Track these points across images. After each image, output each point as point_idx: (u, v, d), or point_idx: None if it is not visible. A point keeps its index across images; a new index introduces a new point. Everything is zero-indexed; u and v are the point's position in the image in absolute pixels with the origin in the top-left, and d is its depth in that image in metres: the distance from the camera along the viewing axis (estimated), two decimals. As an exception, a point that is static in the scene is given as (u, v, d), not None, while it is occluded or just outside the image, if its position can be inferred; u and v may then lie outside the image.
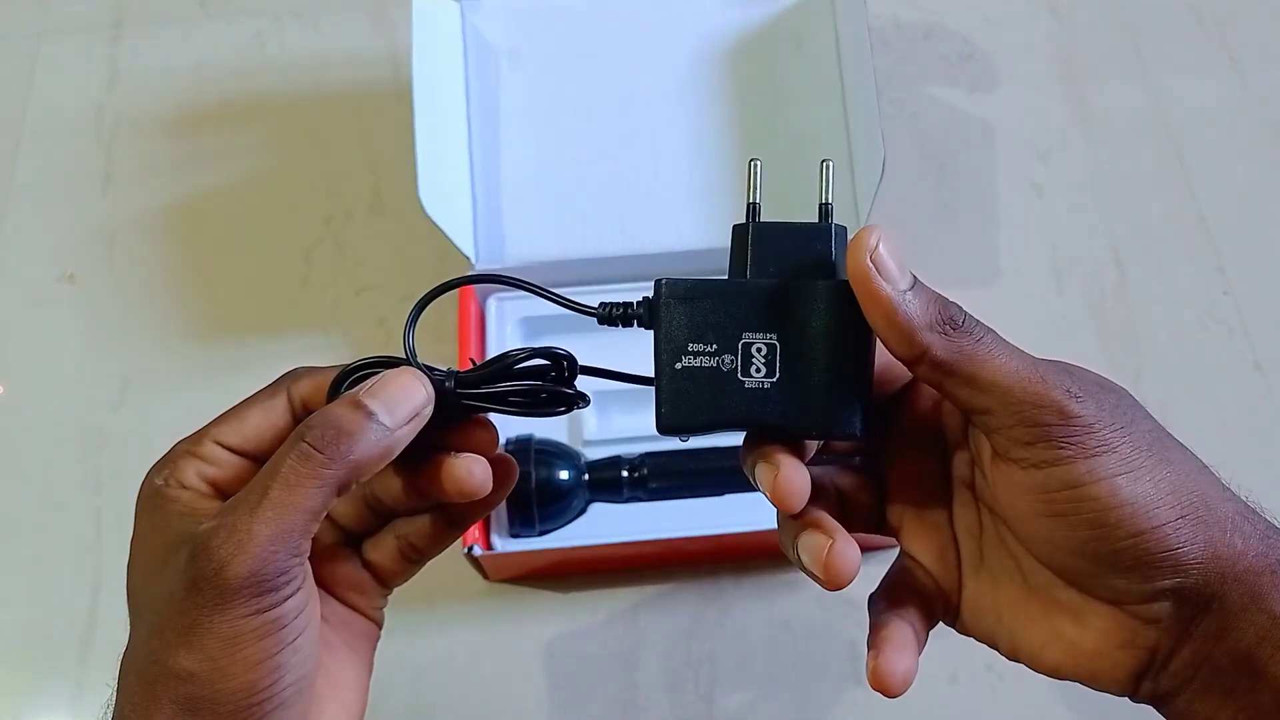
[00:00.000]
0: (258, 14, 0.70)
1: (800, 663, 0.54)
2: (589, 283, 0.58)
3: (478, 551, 0.47)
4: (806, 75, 0.62)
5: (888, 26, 0.70)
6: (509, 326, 0.57)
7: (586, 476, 0.48)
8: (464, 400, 0.31)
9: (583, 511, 0.49)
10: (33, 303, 0.61)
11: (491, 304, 0.57)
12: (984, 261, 0.63)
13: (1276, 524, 0.29)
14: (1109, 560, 0.28)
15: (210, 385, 0.59)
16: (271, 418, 0.32)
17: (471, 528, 0.42)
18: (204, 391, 0.59)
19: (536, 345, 0.32)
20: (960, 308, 0.30)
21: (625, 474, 0.47)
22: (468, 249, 0.56)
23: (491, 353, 0.56)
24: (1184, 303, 0.62)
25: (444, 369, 0.31)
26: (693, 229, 0.59)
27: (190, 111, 0.67)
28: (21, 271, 0.62)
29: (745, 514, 0.47)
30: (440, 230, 0.53)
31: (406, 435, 0.30)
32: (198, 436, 0.32)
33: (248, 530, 0.27)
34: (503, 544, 0.49)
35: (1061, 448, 0.27)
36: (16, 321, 0.61)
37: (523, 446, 0.48)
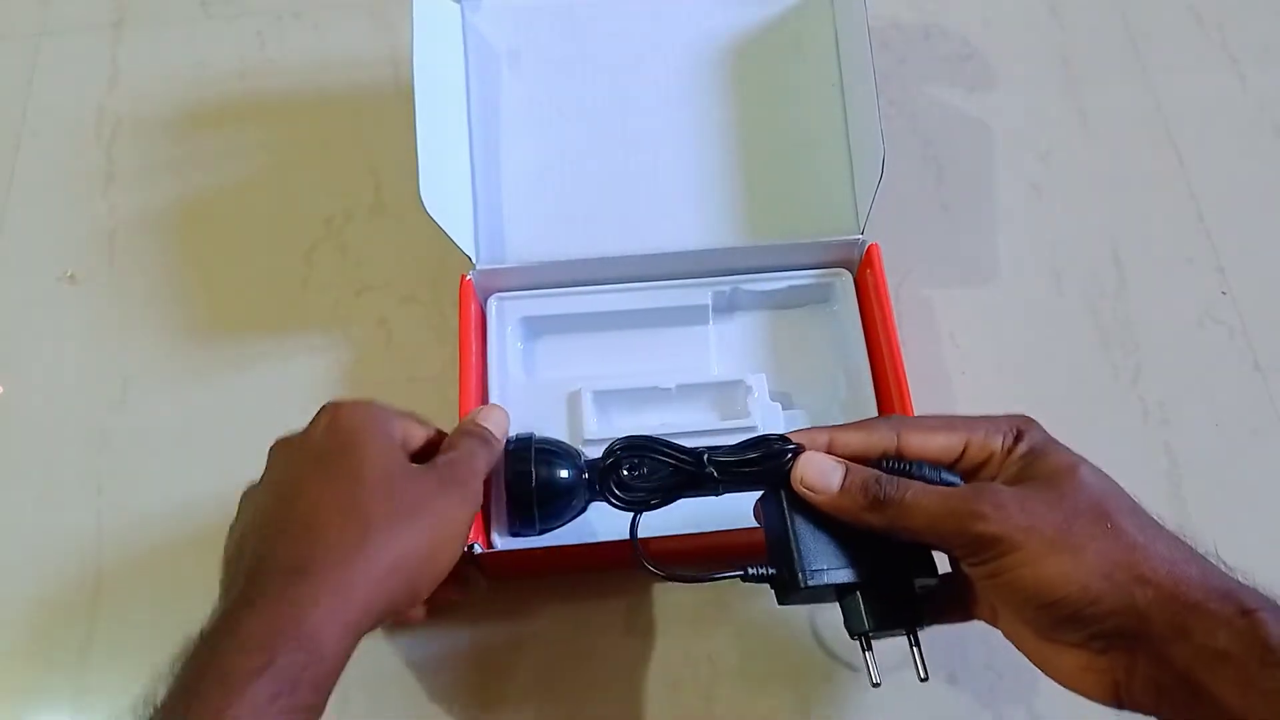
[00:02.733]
0: (258, 14, 0.70)
1: (801, 662, 0.54)
2: (589, 283, 0.58)
3: (478, 550, 0.48)
4: (806, 75, 0.62)
5: (888, 27, 0.70)
6: (509, 326, 0.57)
7: (586, 475, 0.48)
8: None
9: (583, 510, 0.49)
10: (33, 303, 0.61)
11: (492, 304, 0.57)
12: (983, 261, 0.63)
13: (1220, 567, 0.37)
14: (1045, 620, 0.38)
15: (210, 385, 0.59)
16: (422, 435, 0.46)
17: (472, 526, 0.44)
18: (204, 391, 0.59)
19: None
20: (882, 482, 0.40)
21: (625, 473, 0.47)
22: (468, 248, 0.56)
23: (493, 352, 0.56)
24: (1183, 303, 0.62)
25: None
26: (693, 228, 0.59)
27: (190, 111, 0.67)
28: (21, 271, 0.62)
29: (745, 511, 0.47)
30: (441, 230, 0.53)
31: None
32: (397, 413, 0.44)
33: (470, 464, 0.44)
34: (503, 543, 0.49)
35: (982, 556, 0.38)
36: (16, 321, 0.61)
37: (524, 445, 0.48)
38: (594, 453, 0.48)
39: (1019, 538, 0.37)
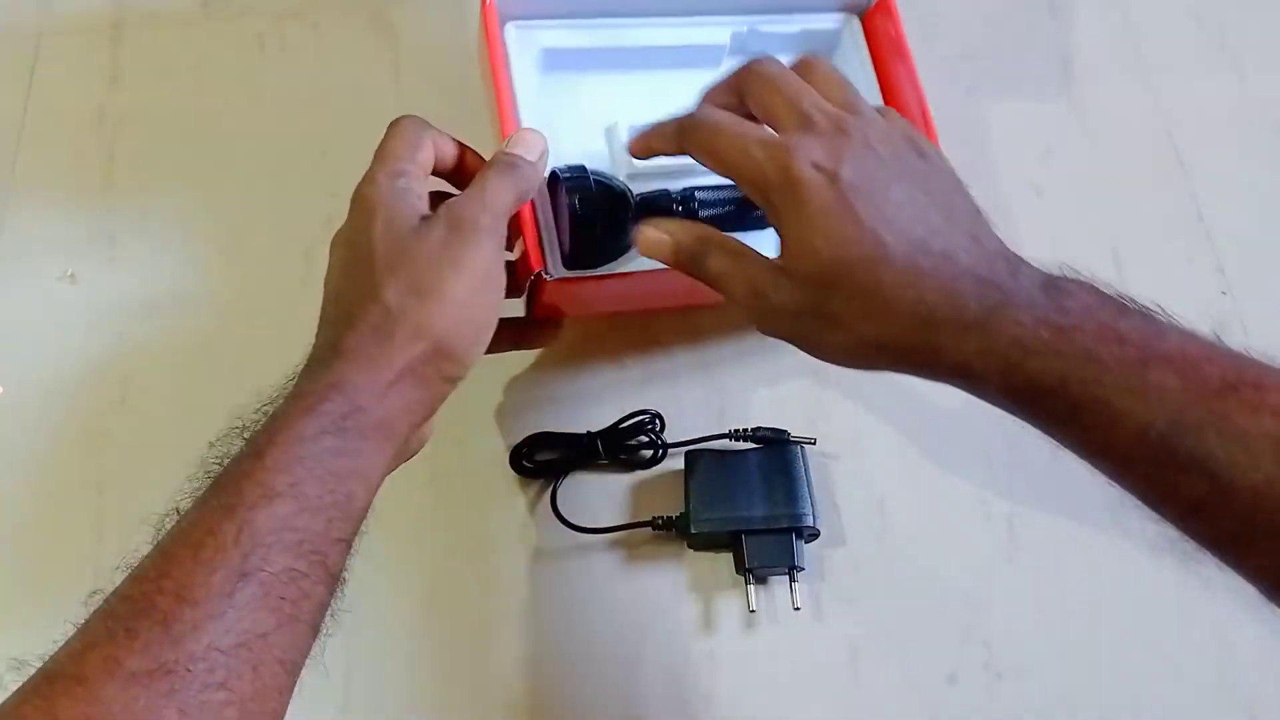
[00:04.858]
0: (258, 14, 0.70)
1: (801, 662, 0.54)
2: (606, 14, 0.56)
3: (547, 276, 0.49)
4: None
5: (887, 26, 0.70)
6: (528, 57, 0.56)
7: (633, 211, 0.49)
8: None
9: (629, 248, 0.49)
10: (33, 303, 0.61)
11: (510, 31, 0.56)
12: (984, 261, 0.63)
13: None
14: None
15: (210, 385, 0.59)
16: (431, 155, 0.46)
17: (533, 260, 0.48)
18: (204, 391, 0.59)
19: None
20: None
21: (677, 208, 0.48)
22: None
23: (516, 83, 0.54)
24: (1184, 303, 0.62)
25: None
26: None
27: (190, 111, 0.67)
28: (21, 271, 0.62)
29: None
30: None
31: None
32: (410, 159, 0.45)
33: (483, 201, 0.43)
34: (557, 272, 0.50)
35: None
36: (16, 321, 0.61)
37: (579, 175, 0.49)
38: (638, 187, 0.50)
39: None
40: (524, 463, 0.56)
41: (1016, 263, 0.39)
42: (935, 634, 0.55)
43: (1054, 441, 0.38)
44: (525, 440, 0.57)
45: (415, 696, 0.52)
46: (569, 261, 0.50)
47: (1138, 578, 0.56)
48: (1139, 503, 0.37)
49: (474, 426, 0.58)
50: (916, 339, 0.38)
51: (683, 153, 0.44)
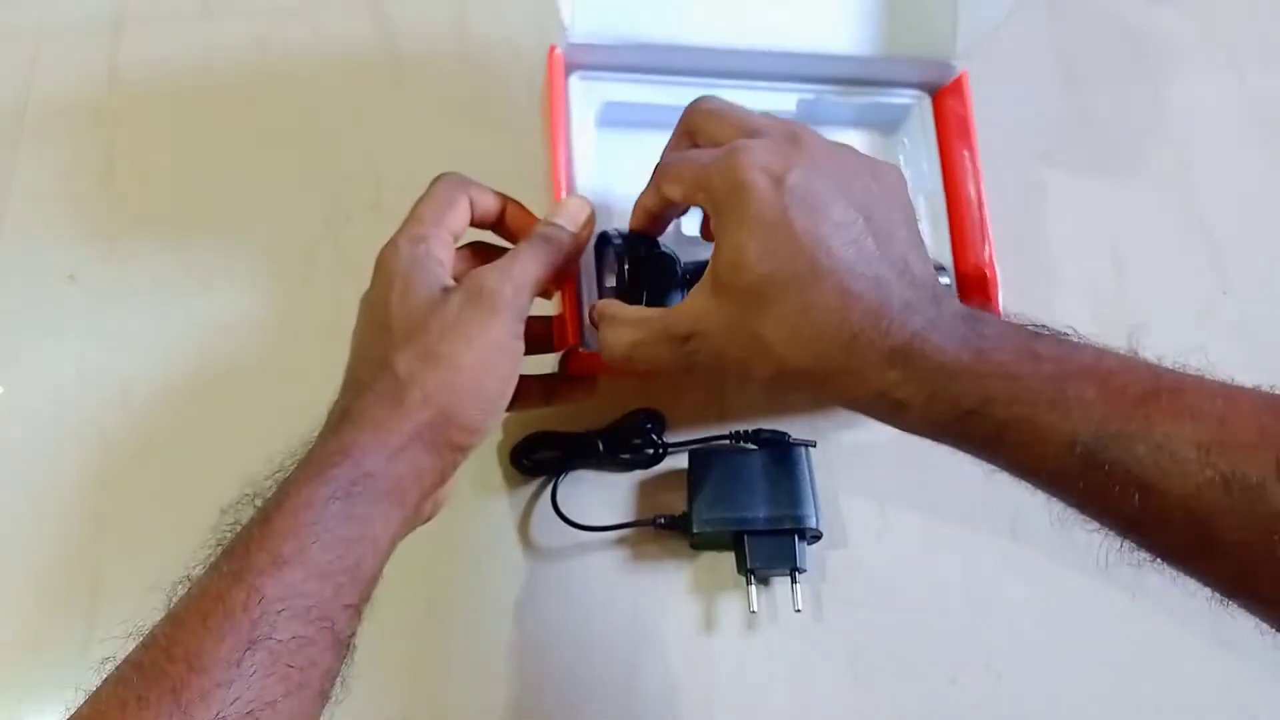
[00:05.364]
0: (258, 14, 0.70)
1: (801, 662, 0.54)
2: (673, 72, 0.56)
3: (585, 348, 0.49)
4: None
5: (888, 26, 0.70)
6: (590, 110, 0.56)
7: (686, 277, 0.49)
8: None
9: None
10: (33, 303, 0.61)
11: (574, 83, 0.55)
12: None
13: None
14: None
15: (210, 385, 0.59)
16: (465, 215, 0.46)
17: (570, 334, 0.49)
18: (204, 391, 0.59)
19: None
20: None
21: None
22: (566, 16, 0.53)
23: (576, 135, 0.54)
24: (1184, 303, 0.62)
25: None
26: (840, 28, 0.56)
27: (190, 111, 0.67)
28: (21, 271, 0.62)
29: None
30: None
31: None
32: (435, 222, 0.45)
33: (508, 274, 0.43)
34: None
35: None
36: (16, 321, 0.61)
37: (629, 240, 0.49)
38: (685, 254, 0.50)
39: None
40: (524, 460, 0.56)
41: (940, 294, 0.39)
42: (935, 634, 0.55)
43: (987, 464, 0.39)
44: (525, 438, 0.57)
45: (415, 695, 0.52)
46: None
47: (1137, 577, 0.55)
48: (1083, 520, 0.38)
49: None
50: (840, 363, 0.38)
51: (667, 200, 0.45)
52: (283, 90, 0.68)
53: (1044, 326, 0.39)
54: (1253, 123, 0.69)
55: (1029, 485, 0.38)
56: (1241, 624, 0.54)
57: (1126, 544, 0.37)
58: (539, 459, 0.56)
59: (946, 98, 0.58)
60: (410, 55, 0.69)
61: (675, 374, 0.48)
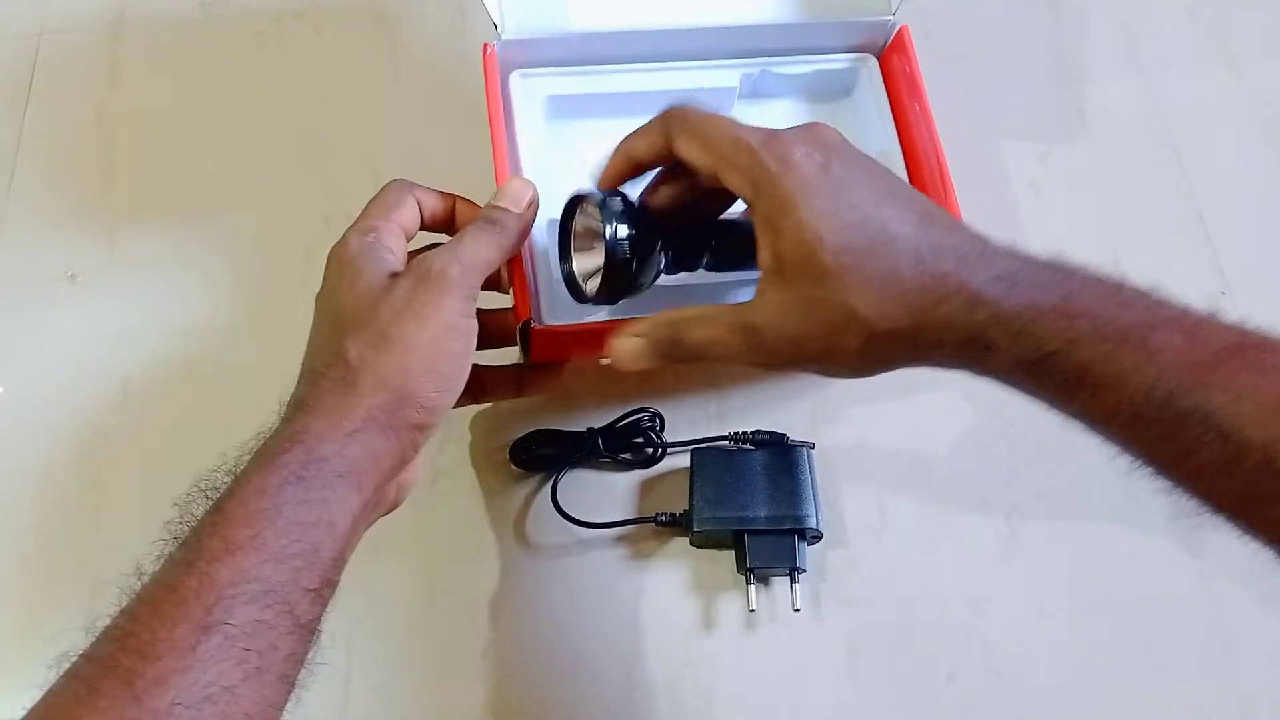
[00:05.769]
0: (258, 14, 0.70)
1: (800, 661, 0.54)
2: (612, 60, 0.55)
3: (540, 321, 0.49)
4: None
5: (887, 26, 0.70)
6: (533, 105, 0.55)
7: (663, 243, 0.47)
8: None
9: (653, 283, 0.48)
10: (33, 303, 0.61)
11: (514, 80, 0.55)
12: (983, 261, 0.63)
13: None
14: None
15: (210, 385, 0.59)
16: (413, 213, 0.47)
17: (520, 310, 0.49)
18: (204, 391, 0.59)
19: None
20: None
21: (711, 242, 0.48)
22: (495, 15, 0.53)
23: (519, 131, 0.54)
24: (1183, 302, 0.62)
25: None
26: (724, 4, 0.56)
27: (190, 111, 0.67)
28: (22, 271, 0.62)
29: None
30: None
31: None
32: (383, 216, 0.46)
33: (454, 254, 0.43)
34: (550, 318, 0.50)
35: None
36: (16, 321, 0.61)
37: (627, 205, 0.46)
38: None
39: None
40: (524, 458, 0.56)
41: (1010, 246, 0.40)
42: (935, 633, 0.55)
43: (1061, 414, 0.39)
44: (525, 435, 0.57)
45: (414, 693, 0.52)
46: (600, 295, 0.47)
47: (1138, 577, 0.56)
48: (1149, 472, 0.37)
49: (475, 422, 0.58)
50: (930, 314, 0.38)
51: (666, 152, 0.44)
52: (283, 90, 0.68)
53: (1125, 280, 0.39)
54: (1250, 121, 0.69)
55: (1099, 434, 0.38)
56: (1240, 624, 0.54)
57: (1194, 498, 0.36)
58: (539, 454, 0.57)
59: (891, 56, 0.58)
60: (410, 55, 0.69)
61: (730, 365, 0.46)
